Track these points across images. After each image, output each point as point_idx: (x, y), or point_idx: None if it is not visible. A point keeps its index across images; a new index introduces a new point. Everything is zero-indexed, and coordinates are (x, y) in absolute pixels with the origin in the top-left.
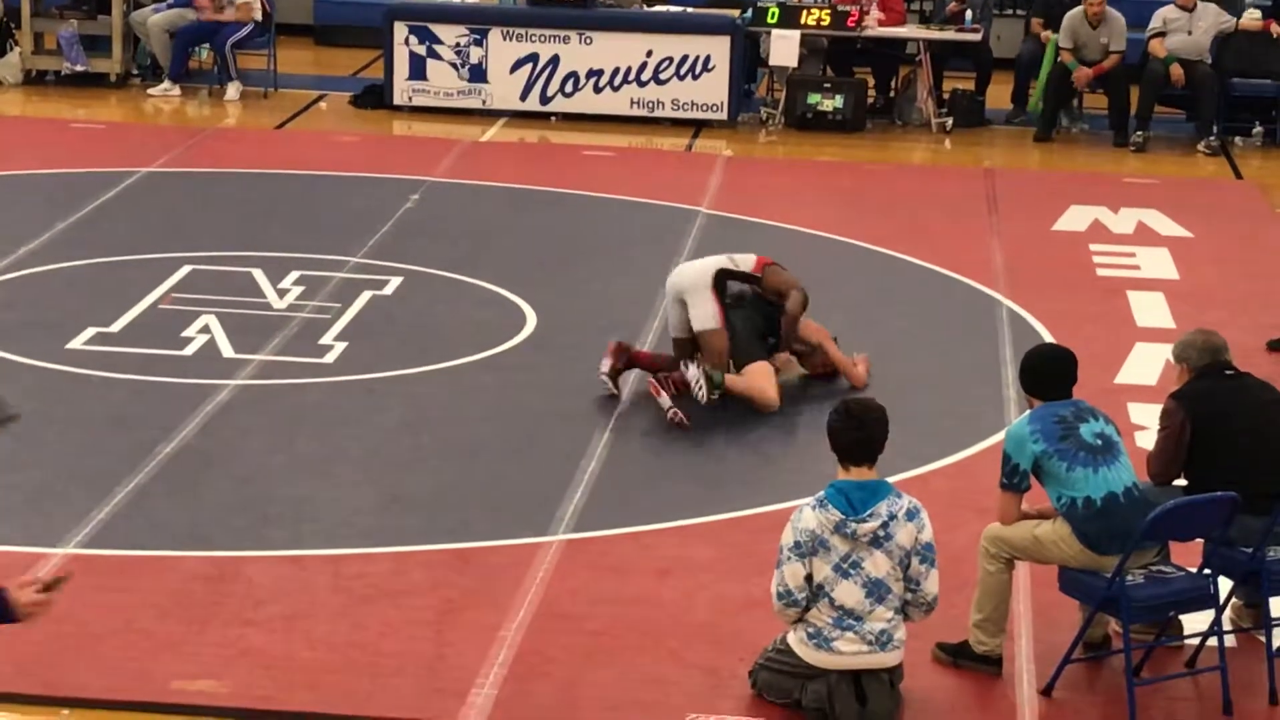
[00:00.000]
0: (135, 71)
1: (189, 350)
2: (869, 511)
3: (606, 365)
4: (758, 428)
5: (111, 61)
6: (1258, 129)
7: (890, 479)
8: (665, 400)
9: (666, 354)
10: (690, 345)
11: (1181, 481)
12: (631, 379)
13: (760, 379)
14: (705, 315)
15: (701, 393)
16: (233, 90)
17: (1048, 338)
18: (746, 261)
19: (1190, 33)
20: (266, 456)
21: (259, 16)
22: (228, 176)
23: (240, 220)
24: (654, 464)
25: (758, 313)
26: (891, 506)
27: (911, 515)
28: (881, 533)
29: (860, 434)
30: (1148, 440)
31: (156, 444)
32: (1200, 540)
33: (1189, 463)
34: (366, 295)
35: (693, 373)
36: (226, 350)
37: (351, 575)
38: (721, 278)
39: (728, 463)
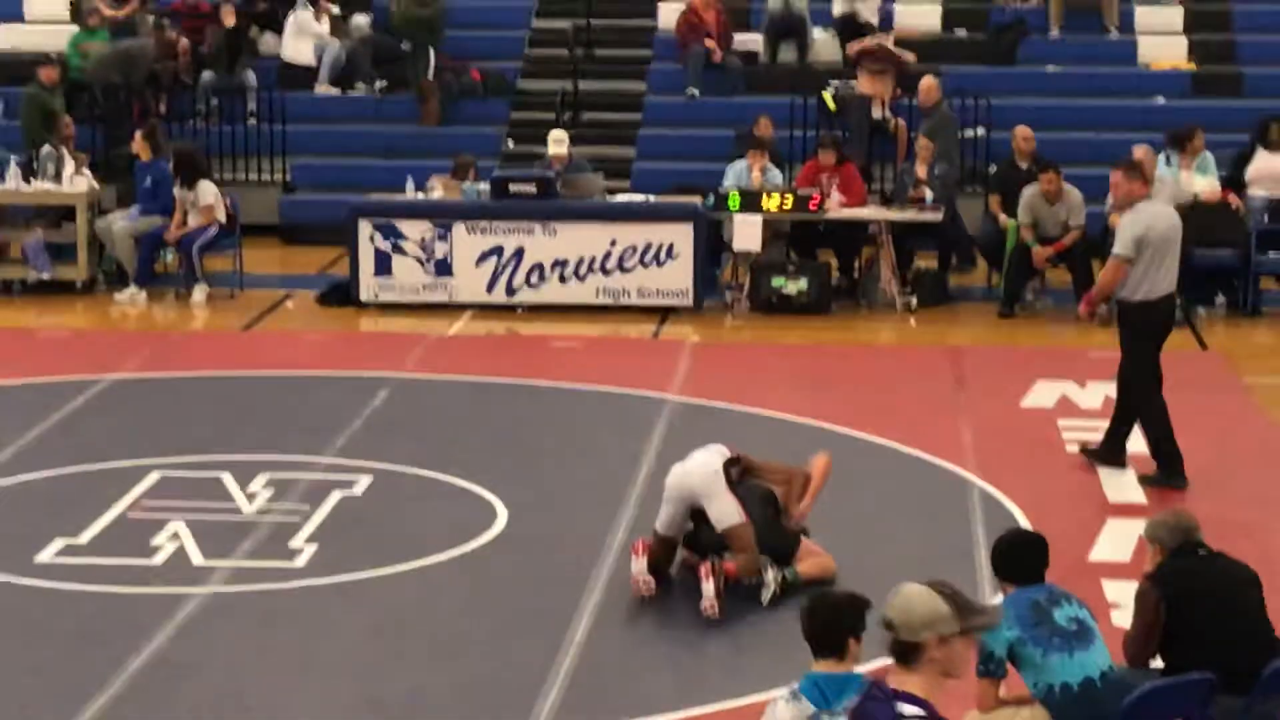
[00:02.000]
0: (101, 278)
1: (158, 559)
2: (842, 705)
3: (640, 565)
4: (736, 618)
5: (77, 268)
6: (1220, 299)
7: (865, 666)
8: (710, 589)
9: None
10: (674, 545)
11: (1158, 662)
12: (606, 568)
13: (820, 560)
14: (728, 511)
15: (768, 594)
16: (199, 293)
17: (1020, 517)
18: (724, 449)
19: None
20: (240, 665)
21: (223, 218)
22: (195, 380)
23: (208, 424)
24: (631, 657)
25: (757, 493)
26: None
27: None
28: None
29: (819, 626)
30: (1123, 618)
31: (127, 657)
32: None
33: (1165, 644)
34: (336, 496)
35: (771, 575)
36: (196, 557)
37: None
38: (727, 472)
39: (706, 654)
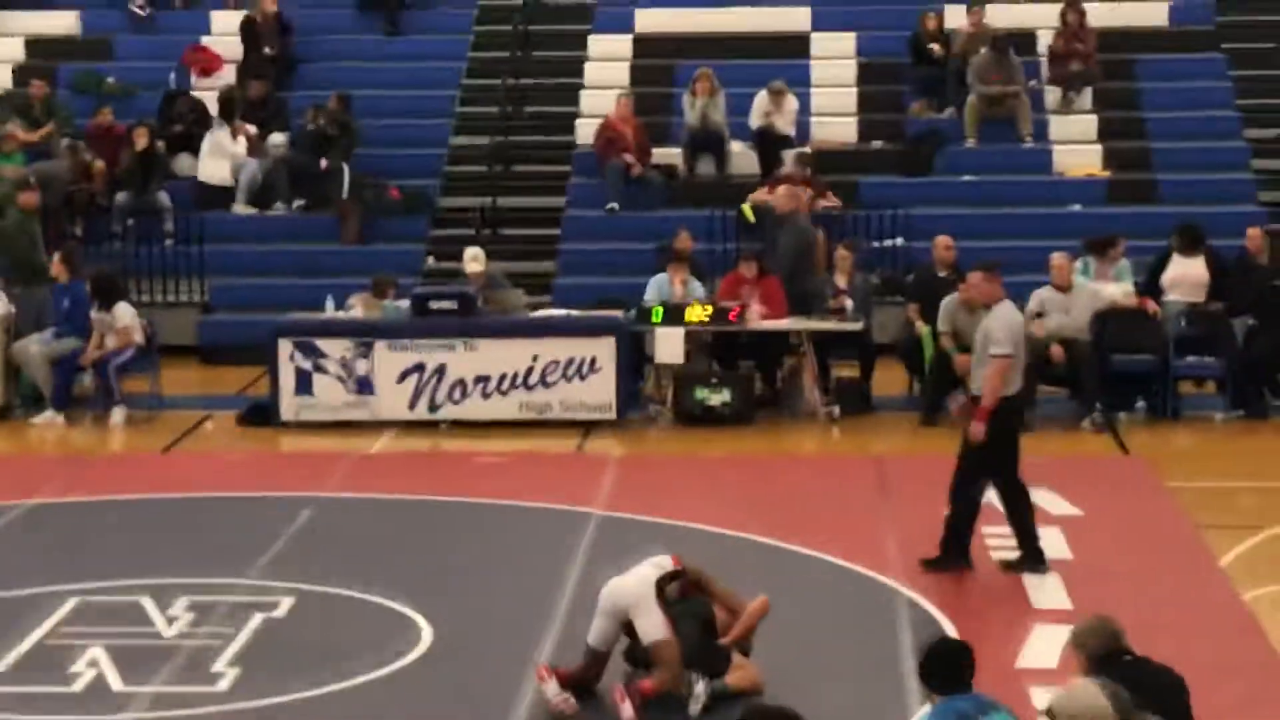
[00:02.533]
0: (18, 402)
1: (77, 686)
2: None
3: (552, 690)
4: None
5: None
6: (1140, 404)
7: None
8: (628, 710)
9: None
10: (605, 659)
11: None
12: (531, 688)
13: (748, 672)
14: (655, 626)
15: (697, 706)
16: (118, 415)
17: (946, 625)
18: (665, 561)
19: (1068, 312)
20: None
21: (140, 339)
22: (115, 503)
23: (128, 548)
24: None
25: (694, 610)
26: None
27: None
28: None
29: None
30: None
31: None
32: None
33: None
34: (258, 618)
35: (700, 687)
36: (116, 684)
37: None
38: (661, 587)
39: None
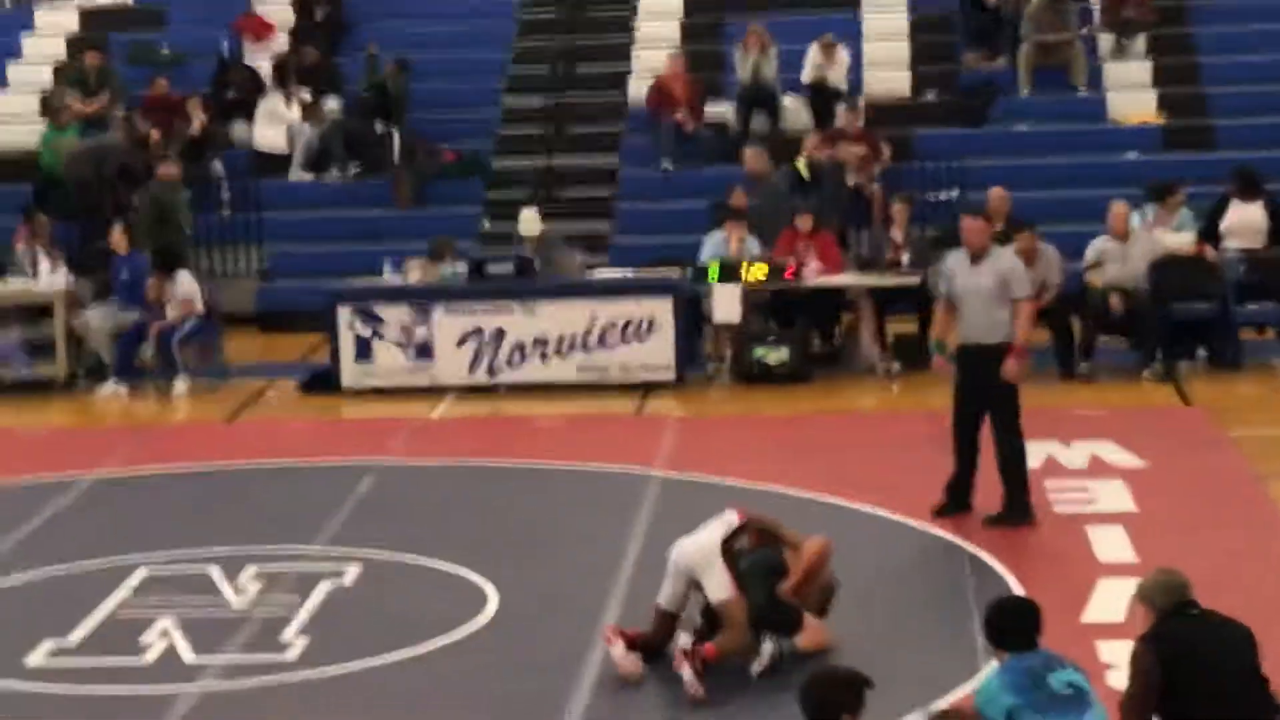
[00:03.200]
0: (81, 374)
1: (149, 657)
2: None
3: (619, 652)
4: (731, 697)
5: (56, 366)
6: (1201, 353)
7: None
8: (688, 673)
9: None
10: (674, 620)
11: None
12: (600, 652)
13: (817, 634)
14: (720, 586)
15: (759, 667)
16: (180, 385)
17: (1011, 581)
18: (732, 517)
19: (1125, 261)
20: None
21: (201, 309)
22: (179, 474)
23: (194, 518)
24: None
25: (761, 562)
26: None
27: None
28: None
29: (820, 704)
30: (1119, 679)
31: None
32: None
33: (1162, 705)
34: (325, 586)
35: (767, 647)
36: (187, 654)
37: None
38: (728, 548)
39: None
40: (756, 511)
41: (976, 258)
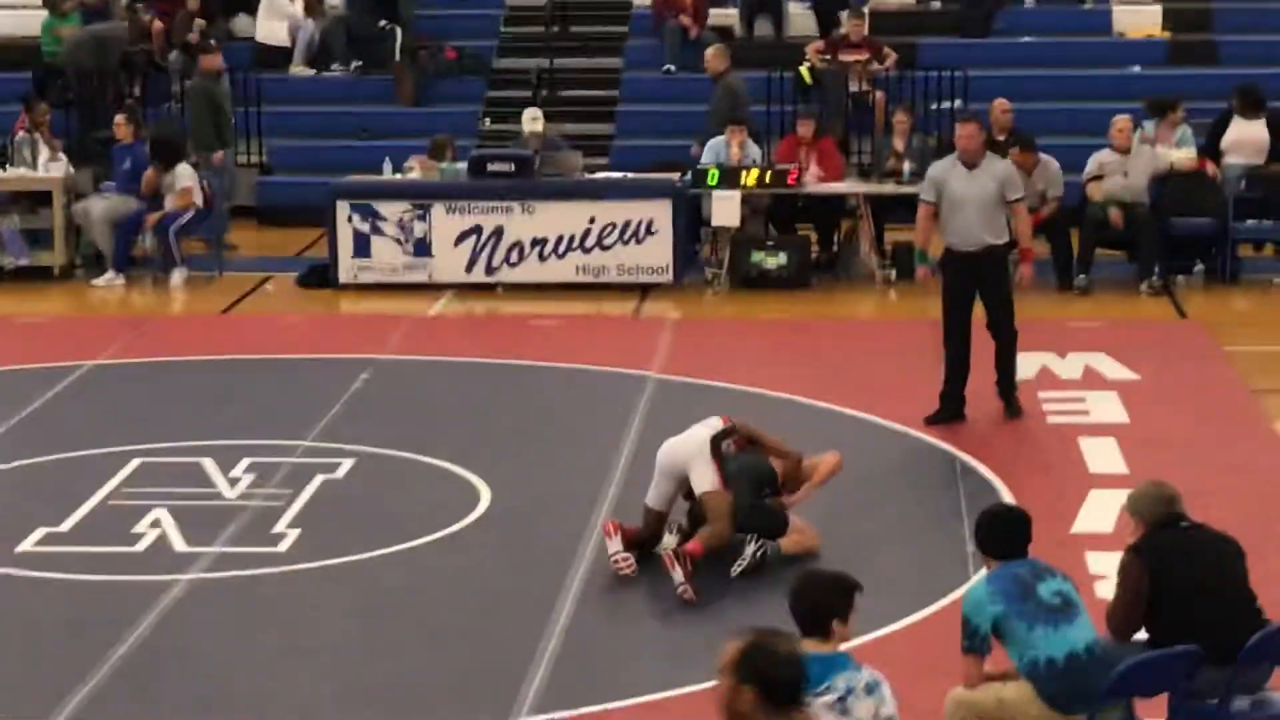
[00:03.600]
0: (79, 263)
1: (141, 546)
2: (825, 685)
3: (616, 544)
4: (721, 599)
5: (54, 255)
6: (1199, 267)
7: (849, 644)
8: (679, 575)
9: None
10: (663, 519)
11: (1142, 634)
12: (590, 550)
13: (803, 537)
14: (705, 478)
15: (740, 567)
16: (177, 276)
17: (1002, 489)
18: (716, 423)
19: (1126, 175)
20: (224, 652)
21: (200, 201)
22: (175, 365)
23: (189, 409)
24: (616, 639)
25: (748, 464)
26: (850, 680)
27: (871, 689)
28: (839, 707)
29: (810, 606)
30: (1107, 589)
31: (111, 645)
32: (1165, 694)
33: (1149, 616)
34: (319, 479)
35: (749, 549)
36: (179, 544)
37: None
38: (716, 444)
39: (691, 636)
40: (741, 419)
41: (971, 164)
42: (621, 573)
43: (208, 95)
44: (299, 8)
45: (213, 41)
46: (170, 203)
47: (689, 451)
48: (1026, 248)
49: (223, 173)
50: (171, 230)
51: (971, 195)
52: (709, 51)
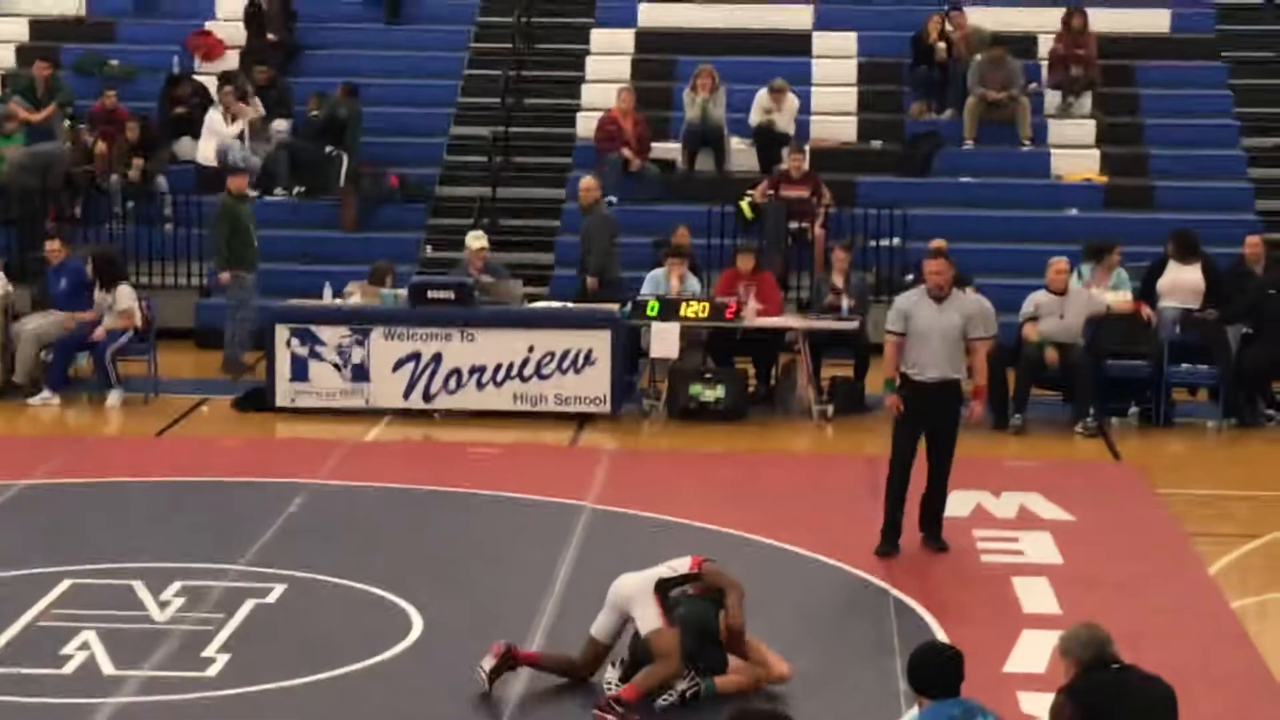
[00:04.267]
0: (16, 382)
1: (68, 669)
2: None
3: (488, 665)
4: None
5: None
6: (1133, 409)
7: None
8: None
9: (556, 654)
10: (604, 651)
11: None
12: (522, 678)
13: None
14: (649, 618)
15: (666, 702)
16: (114, 397)
17: (935, 627)
18: (683, 564)
19: (1063, 316)
20: None
21: (139, 323)
22: (109, 486)
23: (121, 531)
24: None
25: (696, 613)
26: None
27: None
28: None
29: None
30: None
31: None
32: None
33: None
34: (250, 604)
35: (681, 685)
36: (107, 667)
37: None
38: (663, 587)
39: None
40: (716, 567)
41: (939, 298)
42: (479, 680)
43: (232, 215)
44: (234, 129)
45: (242, 162)
46: (110, 322)
47: (633, 590)
48: (981, 385)
49: (239, 292)
50: (108, 351)
51: (937, 328)
52: (583, 181)
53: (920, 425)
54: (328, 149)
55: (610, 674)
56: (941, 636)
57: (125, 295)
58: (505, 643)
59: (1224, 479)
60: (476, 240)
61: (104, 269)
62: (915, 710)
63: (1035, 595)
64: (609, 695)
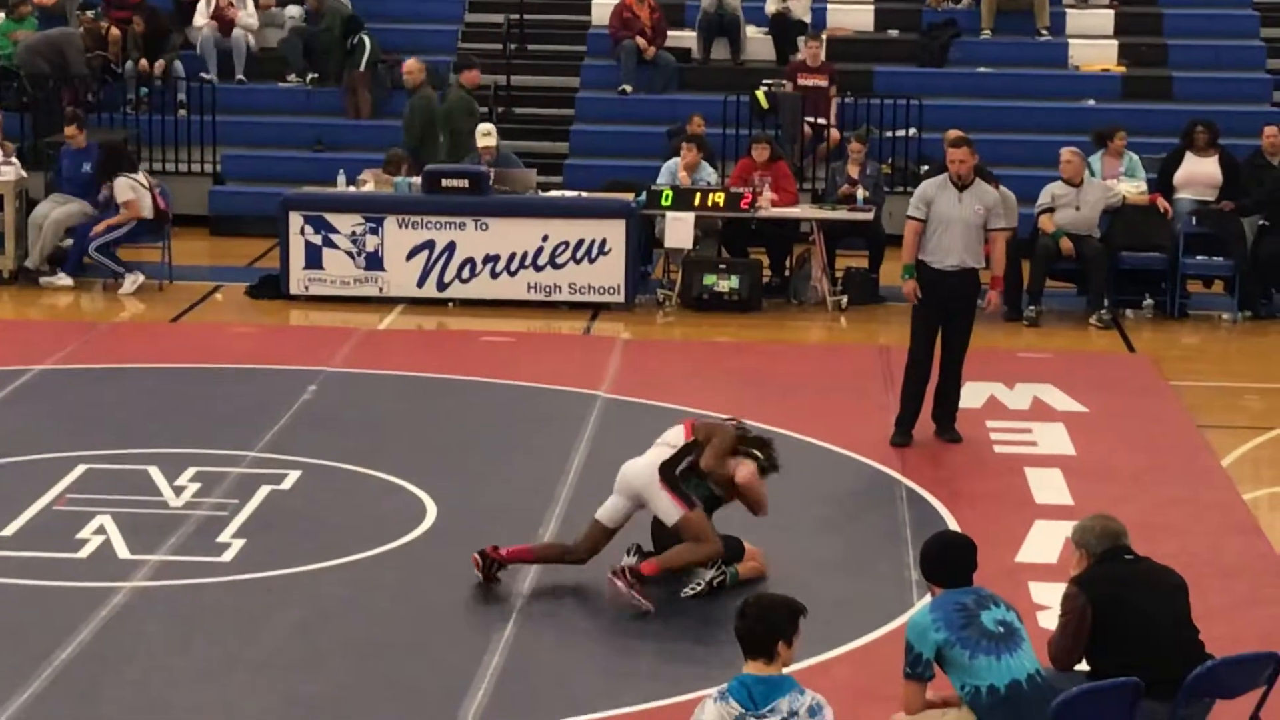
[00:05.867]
0: (33, 267)
1: (84, 552)
2: (769, 706)
3: (479, 578)
4: (666, 619)
5: (5, 258)
6: (1148, 301)
7: (793, 666)
8: (621, 587)
9: (545, 544)
10: (606, 535)
11: (1084, 666)
12: (534, 570)
13: (754, 563)
14: (668, 510)
15: (691, 591)
16: (128, 284)
17: (947, 517)
18: (677, 435)
19: (1078, 208)
20: (165, 660)
21: (146, 213)
22: (124, 372)
23: (136, 416)
24: (559, 657)
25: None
26: (793, 703)
27: (814, 712)
28: None
29: (756, 629)
30: (1050, 620)
31: (52, 651)
32: None
33: (1092, 648)
34: (264, 490)
35: (710, 574)
36: (122, 551)
37: None
38: (669, 471)
39: (634, 655)
40: (705, 423)
41: (962, 186)
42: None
43: (466, 110)
44: (252, 16)
45: (471, 58)
46: (116, 217)
47: (642, 482)
48: (999, 276)
49: None
50: (93, 244)
51: (959, 217)
52: (408, 62)
53: (937, 314)
54: (353, 39)
55: (627, 560)
56: (954, 526)
57: (122, 188)
58: (479, 551)
59: (1237, 371)
60: (486, 137)
61: (105, 160)
62: (927, 599)
63: (1048, 486)
64: (627, 564)
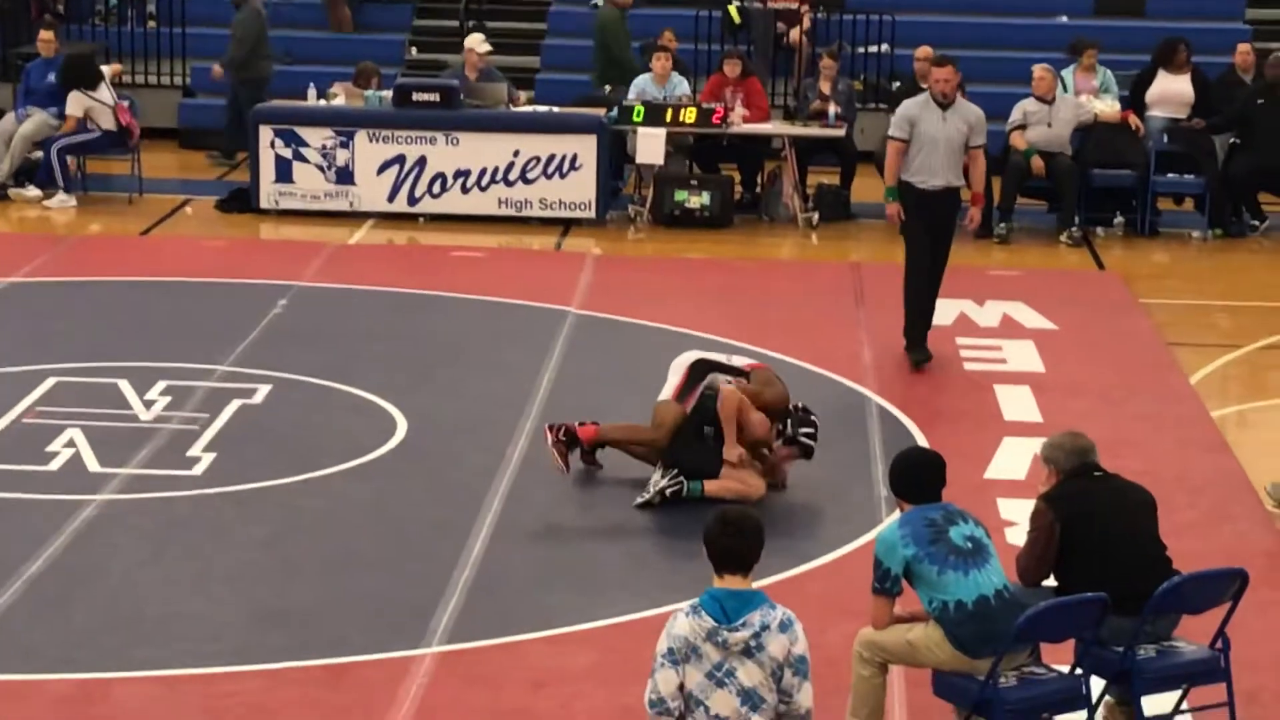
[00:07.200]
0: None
1: (54, 465)
2: (741, 620)
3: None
4: (636, 533)
5: None
6: (1118, 219)
7: (764, 580)
8: (549, 440)
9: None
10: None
11: (1051, 582)
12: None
13: (737, 486)
14: (666, 386)
15: (643, 499)
16: (56, 200)
17: (917, 434)
18: (741, 360)
19: (1050, 125)
20: (135, 573)
21: (109, 124)
22: (93, 285)
23: (105, 330)
24: (529, 570)
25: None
26: (765, 617)
27: (784, 627)
28: (753, 643)
29: (732, 543)
30: (1018, 536)
31: (21, 564)
32: (1072, 640)
33: (1059, 564)
34: (235, 404)
35: (656, 478)
36: (92, 464)
37: (222, 694)
38: (700, 366)
39: (605, 568)
40: (769, 374)
41: (945, 105)
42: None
43: (620, 28)
44: None
45: None
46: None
47: (681, 358)
48: (979, 193)
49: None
50: (54, 149)
51: (943, 136)
52: None
53: (927, 230)
54: None
55: (655, 475)
56: (923, 443)
57: (73, 102)
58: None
59: (1207, 289)
60: (482, 44)
61: (63, 71)
62: (896, 514)
63: (1017, 403)
64: (567, 424)
